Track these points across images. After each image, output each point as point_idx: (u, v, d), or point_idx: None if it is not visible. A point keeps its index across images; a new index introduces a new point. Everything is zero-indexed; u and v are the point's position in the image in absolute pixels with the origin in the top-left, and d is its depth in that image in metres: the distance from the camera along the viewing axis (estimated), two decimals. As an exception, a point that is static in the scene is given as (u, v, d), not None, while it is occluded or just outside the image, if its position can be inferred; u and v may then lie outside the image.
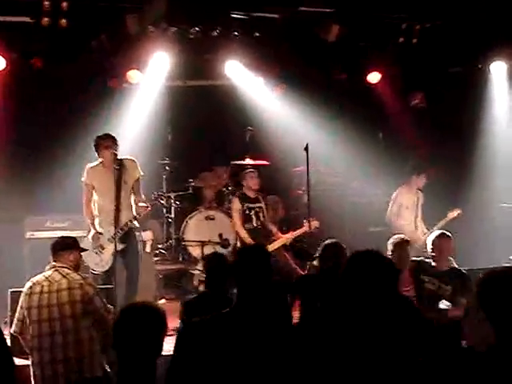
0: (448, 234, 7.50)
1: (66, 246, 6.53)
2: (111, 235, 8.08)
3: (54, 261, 6.44)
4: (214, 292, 6.12)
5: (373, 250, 3.36)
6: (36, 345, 6.15)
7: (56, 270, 6.35)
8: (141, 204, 8.32)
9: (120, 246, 8.14)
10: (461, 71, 11.31)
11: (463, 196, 10.67)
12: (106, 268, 8.20)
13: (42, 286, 6.25)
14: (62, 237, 6.79)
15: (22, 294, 6.31)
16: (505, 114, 11.22)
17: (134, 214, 8.29)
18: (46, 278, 6.31)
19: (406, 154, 11.07)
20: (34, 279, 6.36)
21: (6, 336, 7.05)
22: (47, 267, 6.44)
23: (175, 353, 4.07)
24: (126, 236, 8.29)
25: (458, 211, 9.78)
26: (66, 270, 6.36)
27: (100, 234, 8.23)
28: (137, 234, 8.68)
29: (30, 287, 6.28)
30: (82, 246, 7.80)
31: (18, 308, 6.32)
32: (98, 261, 8.24)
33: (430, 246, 7.40)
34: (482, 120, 11.15)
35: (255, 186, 9.74)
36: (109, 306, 6.40)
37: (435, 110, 11.52)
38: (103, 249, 8.24)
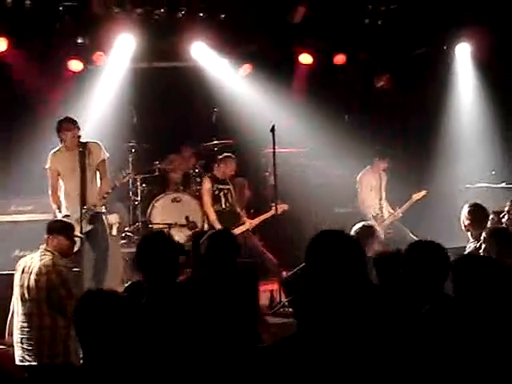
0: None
1: (49, 230, 6.54)
2: (77, 217, 8.02)
3: (44, 242, 6.48)
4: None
5: (337, 230, 3.36)
6: (14, 324, 6.28)
7: (42, 253, 6.38)
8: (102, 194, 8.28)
9: (87, 228, 8.10)
10: (426, 52, 11.35)
11: (427, 177, 10.76)
12: (74, 250, 8.15)
13: (24, 266, 6.30)
14: (53, 220, 6.93)
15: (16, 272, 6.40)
16: (469, 95, 11.29)
17: (90, 205, 8.20)
18: (31, 258, 6.36)
19: (371, 136, 11.12)
20: (24, 258, 6.44)
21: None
22: (41, 247, 6.48)
23: None
24: (94, 218, 8.23)
25: (423, 193, 9.88)
26: (48, 253, 6.36)
27: (67, 216, 8.16)
28: (104, 217, 8.64)
29: (19, 265, 6.35)
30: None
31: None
32: None
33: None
34: (447, 101, 11.22)
35: (232, 172, 9.75)
36: (73, 290, 6.38)
37: (400, 92, 11.58)
38: None
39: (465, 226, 7.04)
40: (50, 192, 8.28)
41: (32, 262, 6.32)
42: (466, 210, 7.05)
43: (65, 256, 6.52)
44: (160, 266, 4.01)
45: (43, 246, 6.43)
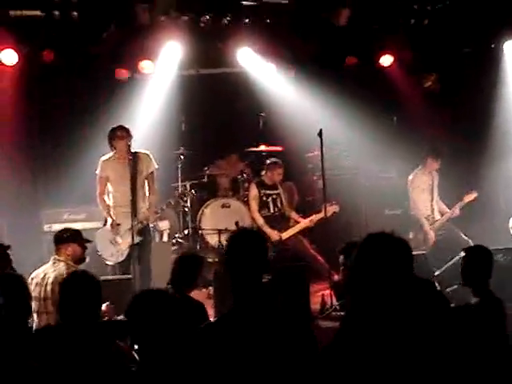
0: None
1: (62, 240, 6.58)
2: (129, 227, 8.10)
3: (55, 253, 6.51)
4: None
5: (387, 232, 3.35)
6: None
7: (54, 263, 6.42)
8: (150, 209, 8.35)
9: (138, 239, 8.19)
10: (473, 51, 11.22)
11: (479, 177, 10.63)
12: (121, 259, 8.25)
13: (38, 278, 6.33)
14: (63, 229, 6.85)
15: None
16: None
17: (142, 218, 8.28)
18: (43, 270, 6.39)
19: (420, 137, 11.02)
20: (36, 271, 6.45)
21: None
22: (51, 258, 6.52)
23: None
24: (143, 229, 8.33)
25: (475, 194, 9.77)
26: (61, 262, 6.41)
27: (118, 224, 8.25)
28: (151, 226, 8.72)
29: (32, 278, 6.35)
30: (97, 236, 7.93)
31: None
32: (114, 251, 8.28)
33: None
34: (496, 100, 11.07)
35: (280, 177, 9.76)
36: None
37: (448, 92, 11.46)
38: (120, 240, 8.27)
39: None
40: (98, 196, 8.37)
41: (45, 274, 6.34)
42: None
43: (78, 263, 6.56)
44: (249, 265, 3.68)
45: (54, 256, 6.47)
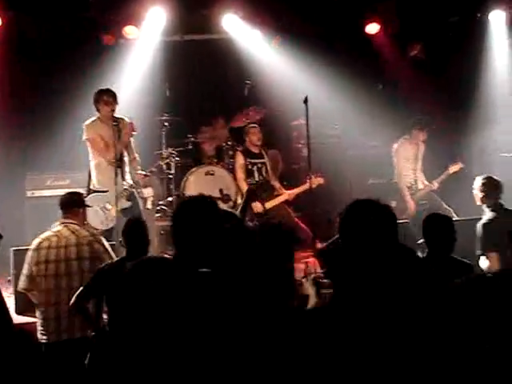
0: None
1: (77, 203, 6.57)
2: (119, 192, 8.07)
3: (63, 216, 6.47)
4: (132, 257, 5.72)
5: (371, 199, 3.35)
6: (42, 300, 6.21)
7: (65, 226, 6.38)
8: (139, 172, 8.35)
9: (126, 204, 8.18)
10: (459, 21, 11.20)
11: (463, 147, 10.65)
12: (111, 226, 8.21)
13: (51, 242, 6.28)
14: (71, 193, 6.81)
15: (30, 250, 6.34)
16: (504, 64, 11.13)
17: (131, 181, 8.29)
18: (55, 233, 6.34)
19: (405, 106, 11.01)
20: (43, 235, 6.40)
21: (10, 294, 7.21)
22: (56, 223, 6.48)
23: None
24: (130, 195, 8.32)
25: (460, 165, 9.76)
26: (75, 226, 6.40)
27: (105, 191, 8.22)
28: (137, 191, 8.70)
29: (39, 243, 6.31)
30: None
31: (25, 264, 6.35)
32: (103, 219, 8.24)
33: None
34: (481, 70, 11.07)
35: (258, 141, 9.70)
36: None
37: (434, 61, 11.44)
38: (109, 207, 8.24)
39: (480, 199, 7.10)
40: (99, 156, 8.27)
41: (61, 236, 6.31)
42: (478, 182, 7.11)
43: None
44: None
45: (63, 219, 6.44)
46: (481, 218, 7.04)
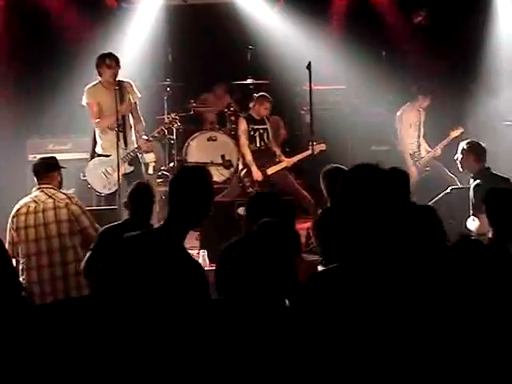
0: None
1: (53, 167, 6.57)
2: (122, 156, 8.04)
3: (39, 182, 6.47)
4: (135, 221, 5.78)
5: (372, 164, 3.31)
6: (24, 265, 6.25)
7: (42, 191, 6.39)
8: (143, 137, 8.30)
9: (129, 169, 8.17)
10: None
11: (467, 114, 10.59)
12: (113, 190, 8.20)
13: (28, 207, 6.31)
14: (45, 158, 6.82)
15: (10, 217, 6.36)
16: (509, 32, 11.03)
17: (136, 145, 8.26)
18: (32, 198, 6.36)
19: (408, 72, 10.94)
20: (21, 201, 6.43)
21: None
22: (33, 189, 6.49)
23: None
24: (134, 159, 8.30)
25: (461, 130, 9.73)
26: (51, 190, 6.41)
27: (108, 156, 8.20)
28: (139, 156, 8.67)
29: (18, 209, 6.34)
30: (87, 168, 7.97)
31: (7, 231, 6.38)
32: (106, 183, 8.24)
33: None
34: (486, 37, 10.97)
35: (265, 112, 9.66)
36: (97, 225, 6.42)
37: (438, 28, 11.34)
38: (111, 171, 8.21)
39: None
40: (96, 122, 8.23)
41: (38, 201, 6.32)
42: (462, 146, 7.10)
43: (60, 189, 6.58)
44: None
45: (40, 185, 6.44)
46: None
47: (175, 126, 8.97)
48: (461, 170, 7.25)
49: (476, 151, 7.04)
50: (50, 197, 6.34)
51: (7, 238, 6.34)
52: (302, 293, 3.21)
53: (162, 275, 3.51)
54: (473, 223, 6.69)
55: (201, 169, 3.81)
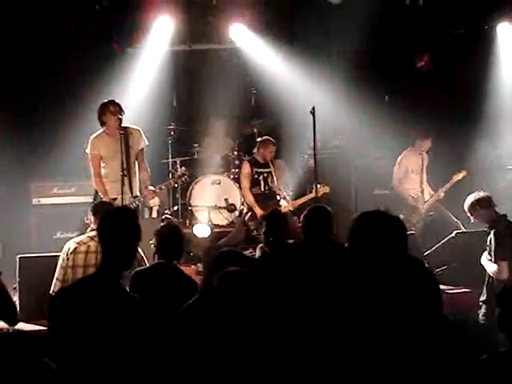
0: None
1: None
2: (126, 203, 8.01)
3: (95, 223, 6.50)
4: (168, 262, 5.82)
5: (380, 210, 3.34)
6: None
7: None
8: (150, 188, 8.26)
9: None
10: (466, 32, 11.21)
11: (469, 158, 10.63)
12: None
13: (89, 246, 6.30)
14: (104, 201, 6.95)
15: (65, 254, 6.36)
16: (510, 76, 11.12)
17: (139, 194, 8.22)
18: (92, 238, 6.36)
19: (411, 117, 11.00)
20: (78, 239, 6.45)
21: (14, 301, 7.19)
22: (89, 229, 6.52)
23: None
24: (136, 207, 8.28)
25: (464, 173, 9.76)
26: None
27: (114, 199, 8.17)
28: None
29: (75, 247, 6.33)
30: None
31: (59, 268, 6.37)
32: None
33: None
34: (488, 81, 11.06)
35: (270, 156, 9.70)
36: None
37: (441, 72, 11.44)
38: None
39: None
40: (92, 176, 8.21)
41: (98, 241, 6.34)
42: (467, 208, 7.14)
43: None
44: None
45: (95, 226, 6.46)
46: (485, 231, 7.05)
47: (183, 179, 8.95)
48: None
49: (482, 205, 7.04)
50: None
51: (57, 275, 6.35)
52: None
53: (103, 318, 3.68)
54: (489, 265, 6.76)
55: (125, 210, 4.19)
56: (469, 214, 7.14)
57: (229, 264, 4.21)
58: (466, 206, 7.16)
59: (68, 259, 6.31)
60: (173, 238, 5.92)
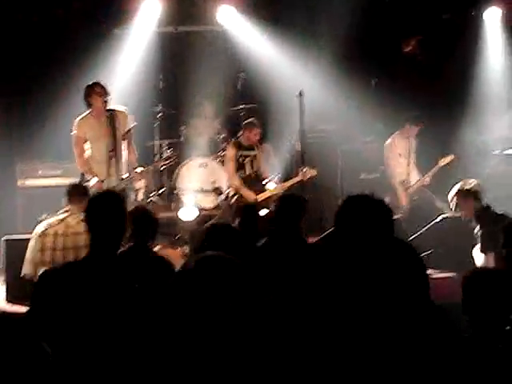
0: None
1: (84, 192, 6.57)
2: (111, 185, 7.99)
3: (68, 204, 6.47)
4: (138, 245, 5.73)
5: (367, 194, 3.34)
6: None
7: (71, 214, 6.38)
8: (136, 169, 8.25)
9: None
10: (453, 18, 11.22)
11: (455, 143, 10.67)
12: None
13: (57, 229, 6.28)
14: (78, 183, 6.85)
15: (35, 236, 6.33)
16: (498, 60, 11.15)
17: (126, 175, 8.20)
18: (61, 220, 6.34)
19: (398, 101, 11.00)
20: (47, 222, 6.42)
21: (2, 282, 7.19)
22: (60, 211, 6.49)
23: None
24: (125, 188, 8.26)
25: (450, 157, 9.79)
26: (79, 214, 6.38)
27: (102, 181, 8.15)
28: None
29: (44, 230, 6.30)
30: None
31: (30, 251, 6.34)
32: None
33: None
34: (476, 66, 11.09)
35: (255, 138, 9.68)
36: None
37: (429, 56, 11.44)
38: None
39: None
40: (77, 157, 8.23)
41: (67, 224, 6.30)
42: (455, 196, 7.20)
43: None
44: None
45: (68, 208, 6.43)
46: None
47: (170, 161, 8.81)
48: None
49: (467, 196, 7.13)
50: (80, 221, 6.33)
51: (28, 257, 6.32)
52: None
53: (93, 303, 3.67)
54: (477, 258, 6.82)
55: (112, 194, 4.14)
56: (452, 203, 7.20)
57: (218, 240, 4.20)
58: (451, 195, 7.20)
59: (36, 242, 6.28)
60: (145, 220, 5.86)
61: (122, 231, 3.96)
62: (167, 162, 8.83)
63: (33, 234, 6.40)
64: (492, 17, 11.06)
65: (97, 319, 3.65)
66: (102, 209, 3.87)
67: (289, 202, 5.84)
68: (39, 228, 6.37)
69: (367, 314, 3.05)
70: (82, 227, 6.25)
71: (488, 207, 7.11)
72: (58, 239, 6.26)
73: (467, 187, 7.24)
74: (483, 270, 3.62)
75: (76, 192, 6.55)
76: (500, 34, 11.12)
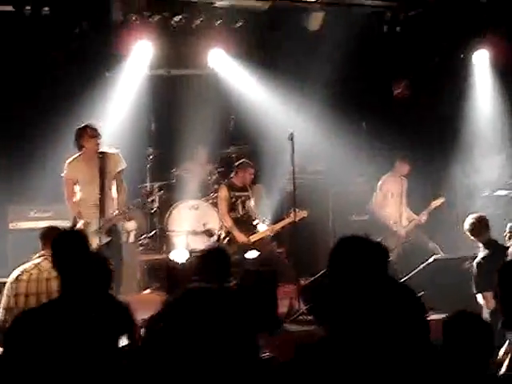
0: None
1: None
2: (97, 227, 7.98)
3: (43, 249, 6.40)
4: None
5: (360, 235, 3.34)
6: None
7: (46, 259, 6.31)
8: (125, 209, 8.25)
9: (106, 239, 8.07)
10: (443, 61, 11.32)
11: (446, 185, 10.71)
12: None
13: (31, 274, 6.20)
14: (52, 226, 6.76)
15: (9, 282, 6.26)
16: (487, 103, 11.24)
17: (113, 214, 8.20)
18: (35, 265, 6.27)
19: (388, 143, 11.07)
20: (22, 267, 6.32)
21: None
22: (35, 256, 6.41)
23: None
24: (111, 229, 8.22)
25: (442, 200, 9.83)
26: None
27: (88, 223, 8.13)
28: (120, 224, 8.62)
29: (18, 275, 6.23)
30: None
31: (4, 297, 6.27)
32: None
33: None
34: (465, 108, 11.17)
35: (250, 178, 9.71)
36: None
37: (418, 99, 11.53)
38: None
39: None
40: (67, 200, 8.23)
41: (42, 269, 6.24)
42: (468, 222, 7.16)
43: None
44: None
45: (43, 252, 6.38)
46: (465, 256, 7.08)
47: (156, 194, 8.82)
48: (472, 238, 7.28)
49: (479, 225, 7.12)
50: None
51: (2, 303, 6.24)
52: (290, 365, 3.18)
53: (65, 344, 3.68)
54: (478, 296, 6.79)
55: (73, 233, 4.06)
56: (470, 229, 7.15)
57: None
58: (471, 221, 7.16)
59: (11, 287, 6.22)
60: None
61: (89, 268, 3.93)
62: (158, 204, 8.81)
63: (8, 280, 6.34)
64: (481, 59, 11.17)
65: (67, 361, 3.63)
66: (65, 248, 3.88)
67: (212, 254, 5.85)
68: (14, 273, 6.30)
69: (366, 358, 3.02)
70: (55, 272, 6.21)
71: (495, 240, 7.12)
72: (32, 284, 6.18)
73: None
74: (462, 313, 3.54)
75: (50, 236, 6.47)
76: (489, 76, 11.22)
